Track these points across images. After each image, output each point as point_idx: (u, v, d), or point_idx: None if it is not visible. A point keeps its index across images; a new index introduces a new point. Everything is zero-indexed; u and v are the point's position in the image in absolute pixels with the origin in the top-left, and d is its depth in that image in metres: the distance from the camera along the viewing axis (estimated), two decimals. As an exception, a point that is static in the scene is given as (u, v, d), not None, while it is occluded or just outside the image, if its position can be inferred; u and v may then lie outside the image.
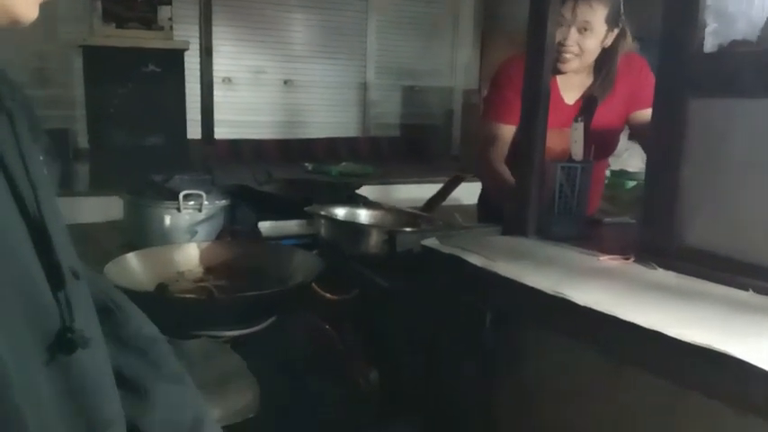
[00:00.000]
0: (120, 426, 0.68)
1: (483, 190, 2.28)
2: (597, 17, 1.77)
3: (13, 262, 0.56)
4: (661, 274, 1.13)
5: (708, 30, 1.09)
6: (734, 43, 1.07)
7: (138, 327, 0.86)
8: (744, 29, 1.05)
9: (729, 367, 0.77)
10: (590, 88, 1.94)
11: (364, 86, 6.34)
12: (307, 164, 5.06)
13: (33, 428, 0.53)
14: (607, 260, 1.23)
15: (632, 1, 1.90)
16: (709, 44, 1.09)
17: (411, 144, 6.31)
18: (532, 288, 1.06)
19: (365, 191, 2.90)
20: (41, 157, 0.68)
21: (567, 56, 1.83)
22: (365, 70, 6.35)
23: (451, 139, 6.56)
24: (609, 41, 1.86)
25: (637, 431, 1.05)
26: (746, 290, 1.00)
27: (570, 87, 1.96)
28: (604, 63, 1.90)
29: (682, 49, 1.13)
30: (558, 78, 1.94)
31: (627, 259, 1.21)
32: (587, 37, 1.80)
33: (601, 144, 1.98)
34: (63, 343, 0.58)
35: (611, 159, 2.54)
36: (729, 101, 1.07)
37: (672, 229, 1.15)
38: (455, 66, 6.69)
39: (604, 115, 1.93)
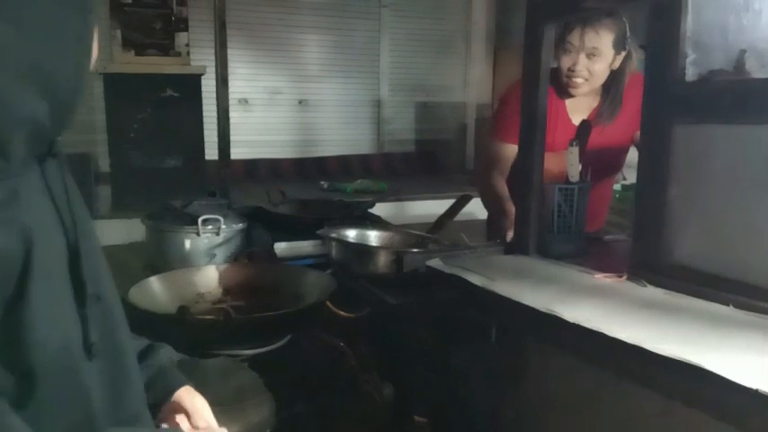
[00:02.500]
0: (146, 419, 0.82)
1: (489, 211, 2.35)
2: (604, 43, 1.83)
3: (64, 284, 0.70)
4: (650, 291, 1.19)
5: (688, 60, 1.16)
6: (712, 72, 1.14)
7: None
8: (720, 59, 1.12)
9: (704, 378, 0.83)
10: (598, 109, 2.00)
11: (378, 104, 6.42)
12: (322, 182, 5.14)
13: (95, 404, 0.70)
14: (601, 278, 1.29)
15: (637, 13, 1.95)
16: (690, 73, 1.16)
17: (425, 159, 6.38)
18: (527, 306, 1.13)
19: (379, 208, 2.97)
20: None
21: (578, 80, 1.89)
22: (378, 87, 6.44)
23: (465, 153, 6.62)
24: (617, 64, 1.92)
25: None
26: (727, 305, 1.07)
27: (578, 109, 2.02)
28: (612, 85, 1.96)
29: (665, 78, 1.20)
30: (567, 101, 2.00)
31: (620, 277, 1.27)
32: (595, 62, 1.86)
33: (608, 162, 2.04)
34: (85, 350, 0.73)
35: (626, 172, 2.60)
36: (710, 126, 1.14)
37: (660, 247, 1.22)
38: (468, 81, 6.75)
39: (612, 134, 2.00)
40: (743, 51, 1.10)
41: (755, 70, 1.11)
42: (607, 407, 1.18)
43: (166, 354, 0.99)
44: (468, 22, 6.66)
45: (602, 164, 1.89)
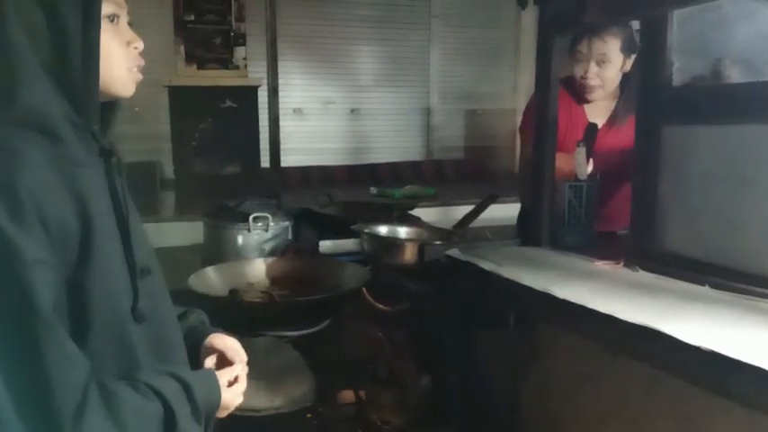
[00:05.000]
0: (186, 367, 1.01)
1: (522, 209, 2.47)
2: (612, 49, 1.94)
3: (117, 258, 0.89)
4: (641, 275, 1.33)
5: (674, 67, 1.30)
6: (695, 78, 1.27)
7: None
8: (700, 66, 1.25)
9: (662, 341, 0.98)
10: (614, 112, 2.11)
11: (428, 112, 6.59)
12: (372, 188, 5.32)
13: (141, 357, 0.89)
14: (601, 265, 1.43)
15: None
16: (676, 79, 1.30)
17: (474, 166, 6.49)
18: (527, 287, 1.28)
19: (424, 212, 3.12)
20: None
21: (590, 87, 2.01)
22: (428, 96, 6.60)
23: (514, 159, 6.70)
24: (628, 67, 2.01)
25: (630, 413, 1.24)
26: (703, 285, 1.20)
27: (598, 113, 2.13)
28: (626, 86, 2.06)
29: (655, 84, 1.33)
30: (586, 106, 2.12)
31: (617, 263, 1.41)
32: (605, 68, 1.97)
33: (628, 163, 2.15)
34: (134, 315, 0.91)
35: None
36: (694, 127, 1.27)
37: (652, 237, 1.35)
38: (517, 87, 6.85)
39: (628, 135, 2.10)
40: (718, 60, 1.23)
41: (731, 75, 1.24)
42: (605, 382, 1.32)
43: (197, 316, 1.17)
44: (517, 30, 6.76)
45: (623, 164, 2.00)
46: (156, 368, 0.93)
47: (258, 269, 2.13)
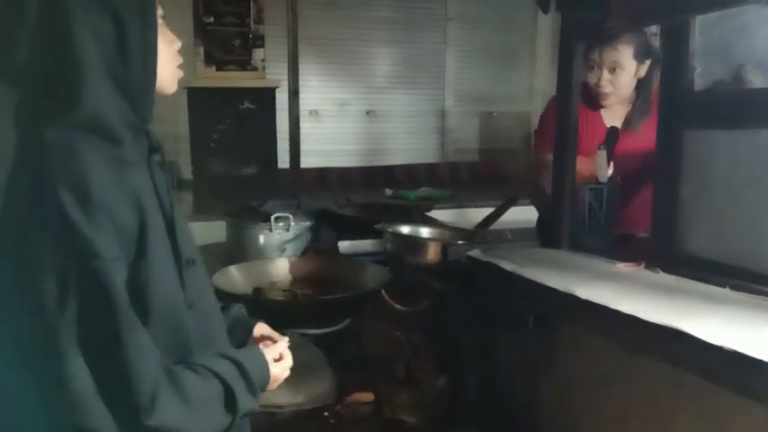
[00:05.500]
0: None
1: (540, 212, 2.50)
2: (624, 56, 1.96)
3: (166, 250, 0.95)
4: (662, 277, 1.35)
5: (696, 72, 1.32)
6: (716, 83, 1.29)
7: None
8: (722, 71, 1.27)
9: (684, 340, 1.00)
10: (629, 116, 2.13)
11: (443, 114, 6.61)
12: (387, 189, 5.34)
13: (193, 345, 0.93)
14: (621, 267, 1.45)
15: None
16: (698, 84, 1.32)
17: (490, 168, 6.50)
18: (548, 287, 1.31)
19: (440, 214, 3.15)
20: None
21: (603, 94, 2.03)
22: (443, 98, 6.62)
23: (529, 162, 6.70)
24: (642, 73, 2.03)
25: (652, 413, 1.26)
26: (724, 287, 1.22)
27: (614, 117, 2.15)
28: (641, 91, 2.08)
29: (677, 89, 1.35)
30: (602, 111, 2.14)
31: (638, 265, 1.43)
32: (618, 75, 1.99)
33: (647, 167, 2.17)
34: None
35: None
36: (715, 132, 1.29)
37: (673, 240, 1.37)
38: (532, 90, 6.85)
39: (646, 139, 2.12)
40: (740, 65, 1.25)
41: (753, 81, 1.26)
42: (625, 382, 1.34)
43: (239, 309, 1.25)
44: (533, 32, 6.76)
45: (641, 168, 2.02)
46: (208, 352, 0.99)
47: (280, 268, 2.17)
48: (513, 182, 6.20)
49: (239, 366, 0.98)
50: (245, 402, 0.97)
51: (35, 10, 0.85)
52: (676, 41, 1.33)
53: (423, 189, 5.35)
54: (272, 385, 1.10)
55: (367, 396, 1.90)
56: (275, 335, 1.21)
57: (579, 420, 1.52)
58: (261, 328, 1.22)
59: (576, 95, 1.61)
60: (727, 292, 1.21)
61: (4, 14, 0.87)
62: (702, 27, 1.30)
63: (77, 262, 0.82)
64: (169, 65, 0.99)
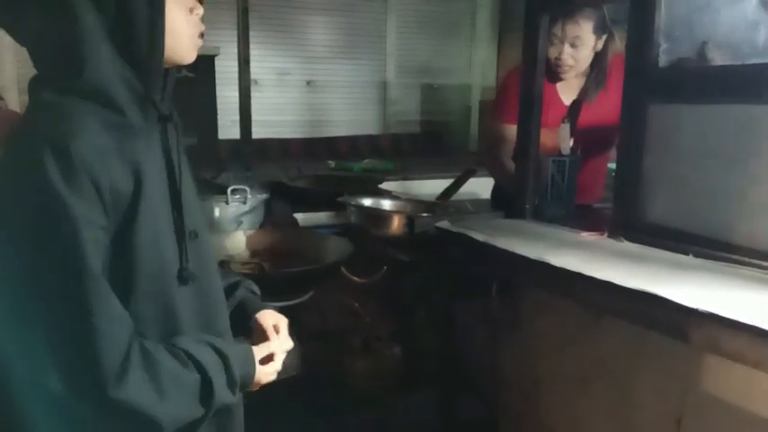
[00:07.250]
0: (228, 338, 1.04)
1: (495, 184, 2.55)
2: (585, 30, 2.01)
3: (166, 221, 0.91)
4: (626, 245, 1.41)
5: (661, 49, 1.36)
6: (680, 60, 1.35)
7: None
8: (686, 49, 1.32)
9: (659, 304, 1.05)
10: (584, 88, 2.19)
11: (384, 85, 6.59)
12: (330, 161, 5.31)
13: (184, 321, 0.91)
14: (586, 236, 1.51)
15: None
16: (663, 60, 1.37)
17: (430, 140, 6.54)
18: (521, 256, 1.35)
19: (387, 186, 3.18)
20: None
21: (565, 67, 2.08)
22: (385, 69, 6.59)
23: (469, 134, 6.79)
24: (599, 46, 2.10)
25: (616, 371, 1.33)
26: (687, 254, 1.28)
27: (568, 90, 2.21)
28: (596, 64, 2.15)
29: (642, 64, 1.40)
30: (557, 84, 2.20)
31: (602, 234, 1.49)
32: (579, 50, 2.05)
33: (599, 139, 2.24)
34: (180, 277, 0.93)
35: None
36: (678, 105, 1.35)
37: (636, 209, 1.43)
38: (473, 63, 6.91)
39: (600, 112, 2.19)
40: (704, 42, 1.31)
41: (714, 58, 1.32)
42: (589, 343, 1.41)
43: (248, 286, 1.21)
44: (473, 5, 6.80)
45: (593, 140, 2.09)
46: (196, 335, 0.95)
47: (238, 241, 2.14)
48: (454, 153, 6.28)
49: (224, 359, 0.94)
50: (222, 397, 0.93)
51: None
52: (642, 18, 1.37)
53: (367, 161, 5.33)
54: (254, 387, 1.05)
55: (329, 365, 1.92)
56: (270, 330, 1.14)
57: (542, 380, 1.59)
58: (263, 318, 1.15)
59: (541, 68, 1.65)
60: (690, 259, 1.27)
61: None
62: (668, 4, 1.34)
63: (49, 221, 0.79)
64: (186, 33, 0.94)
